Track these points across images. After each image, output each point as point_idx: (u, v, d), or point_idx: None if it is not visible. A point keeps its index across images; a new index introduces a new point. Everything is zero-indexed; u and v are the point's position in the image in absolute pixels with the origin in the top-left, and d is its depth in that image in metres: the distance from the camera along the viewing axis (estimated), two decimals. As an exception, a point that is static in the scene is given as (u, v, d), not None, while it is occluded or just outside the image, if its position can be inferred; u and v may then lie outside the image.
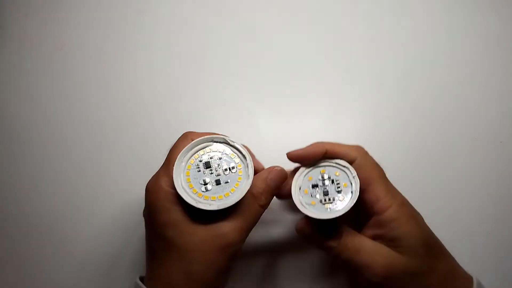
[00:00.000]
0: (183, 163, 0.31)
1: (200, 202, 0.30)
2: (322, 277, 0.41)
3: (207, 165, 0.31)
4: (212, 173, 0.31)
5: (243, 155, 0.31)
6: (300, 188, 0.34)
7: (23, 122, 0.46)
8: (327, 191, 0.33)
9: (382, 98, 0.47)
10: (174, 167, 0.30)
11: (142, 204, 0.37)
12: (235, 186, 0.31)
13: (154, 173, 0.33)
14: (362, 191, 0.33)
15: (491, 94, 0.47)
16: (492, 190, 0.44)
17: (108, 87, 0.48)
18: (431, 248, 0.33)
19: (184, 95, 0.47)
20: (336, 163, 0.34)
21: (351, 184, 0.33)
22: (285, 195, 0.35)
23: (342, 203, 0.33)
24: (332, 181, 0.33)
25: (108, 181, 0.44)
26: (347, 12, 0.50)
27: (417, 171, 0.45)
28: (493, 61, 0.48)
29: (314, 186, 0.34)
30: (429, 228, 0.34)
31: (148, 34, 0.49)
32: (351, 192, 0.33)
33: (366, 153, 0.36)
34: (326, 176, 0.34)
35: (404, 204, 0.34)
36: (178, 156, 0.31)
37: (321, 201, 0.33)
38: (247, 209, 0.31)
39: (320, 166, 0.34)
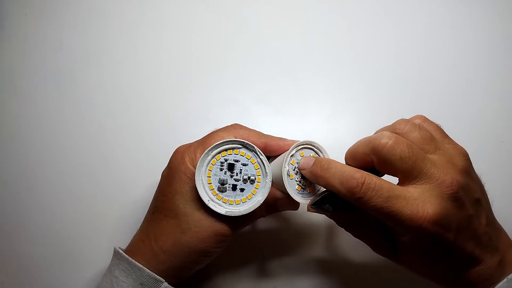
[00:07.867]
0: (209, 157, 0.32)
1: (211, 200, 0.32)
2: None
3: (231, 167, 0.32)
4: (232, 177, 0.32)
5: (266, 172, 0.32)
6: (288, 174, 0.33)
7: (23, 122, 0.47)
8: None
9: (381, 98, 0.48)
10: (199, 160, 0.31)
11: (139, 205, 0.39)
12: (248, 197, 0.32)
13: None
14: None
15: (492, 94, 0.47)
16: (493, 190, 0.42)
17: (108, 86, 0.48)
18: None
19: (184, 95, 0.48)
20: (315, 147, 0.34)
21: None
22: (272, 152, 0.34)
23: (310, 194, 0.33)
24: None
25: (108, 180, 0.45)
26: (346, 14, 0.51)
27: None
28: (494, 60, 0.49)
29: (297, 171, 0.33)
30: None
31: (148, 33, 0.50)
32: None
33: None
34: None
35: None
36: (206, 151, 0.32)
37: (300, 184, 0.33)
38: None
39: (302, 148, 0.33)
